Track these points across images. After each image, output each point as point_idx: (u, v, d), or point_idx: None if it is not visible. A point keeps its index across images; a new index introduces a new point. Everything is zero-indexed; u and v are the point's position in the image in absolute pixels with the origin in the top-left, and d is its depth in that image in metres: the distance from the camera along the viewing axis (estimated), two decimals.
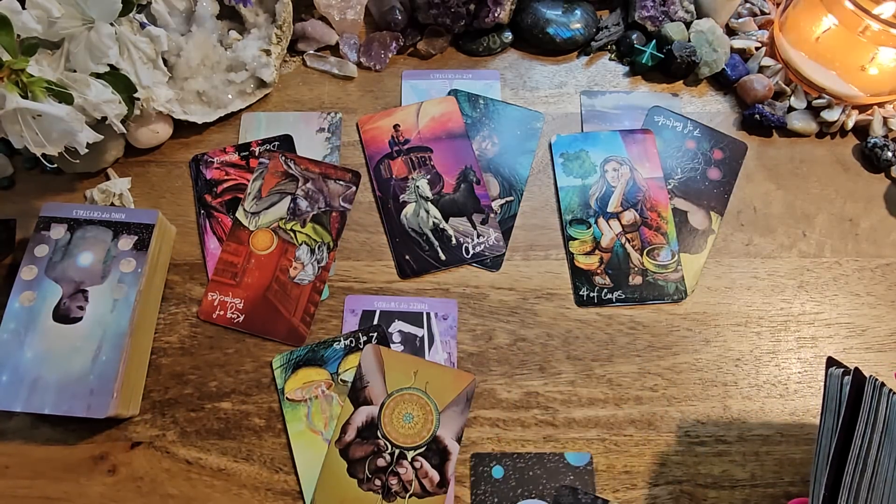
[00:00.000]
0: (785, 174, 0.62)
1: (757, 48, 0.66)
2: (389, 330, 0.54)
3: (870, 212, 0.60)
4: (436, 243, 0.58)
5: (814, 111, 0.63)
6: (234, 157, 0.61)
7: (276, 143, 0.62)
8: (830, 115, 0.62)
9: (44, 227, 0.52)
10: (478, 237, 0.58)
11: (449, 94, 0.65)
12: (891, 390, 0.38)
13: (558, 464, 0.50)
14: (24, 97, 0.46)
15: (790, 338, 0.55)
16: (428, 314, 0.55)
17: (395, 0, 0.67)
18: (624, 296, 0.56)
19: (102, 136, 0.52)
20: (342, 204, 0.60)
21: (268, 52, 0.63)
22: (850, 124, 0.63)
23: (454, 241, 0.58)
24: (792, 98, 0.64)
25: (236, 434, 0.51)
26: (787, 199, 0.61)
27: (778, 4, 0.69)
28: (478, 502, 0.49)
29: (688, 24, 0.66)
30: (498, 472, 0.49)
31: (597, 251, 0.58)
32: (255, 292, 0.55)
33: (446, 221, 0.59)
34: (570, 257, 0.58)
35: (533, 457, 0.50)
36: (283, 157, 0.61)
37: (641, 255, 0.58)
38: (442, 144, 0.62)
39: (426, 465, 0.49)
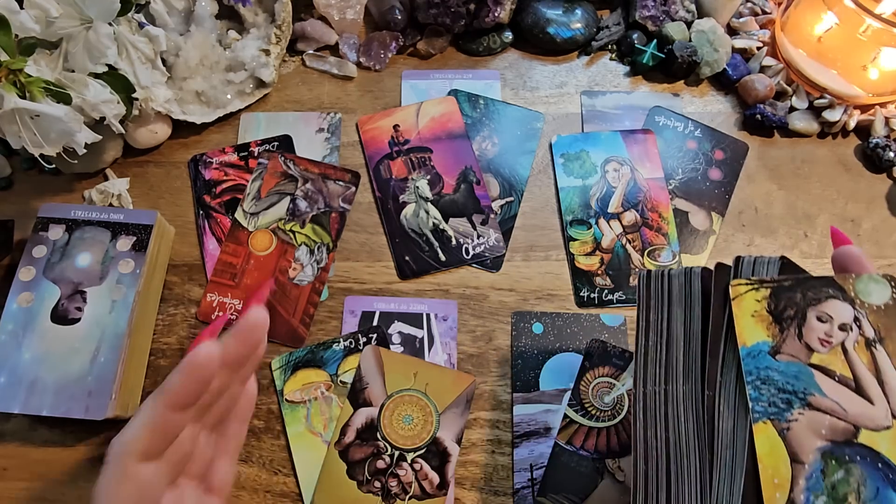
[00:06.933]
0: (786, 174, 0.62)
1: (758, 48, 0.66)
2: (389, 331, 0.54)
3: (872, 212, 0.60)
4: (436, 244, 0.58)
5: (815, 111, 0.63)
6: (233, 158, 0.61)
7: (276, 143, 0.62)
8: (832, 116, 0.62)
9: (42, 227, 0.52)
10: (478, 238, 0.58)
11: (449, 94, 0.65)
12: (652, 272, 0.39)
13: (594, 323, 0.54)
14: (22, 97, 0.46)
15: None
16: (428, 315, 0.55)
17: (395, 0, 0.66)
18: (625, 297, 0.56)
19: (101, 137, 0.52)
20: (342, 204, 0.59)
21: (267, 52, 0.62)
22: (852, 124, 0.63)
23: (454, 241, 0.58)
24: (793, 98, 0.64)
25: None
26: (788, 200, 0.61)
27: (779, 4, 0.69)
28: (518, 353, 0.53)
29: (689, 24, 0.66)
30: (538, 328, 0.54)
31: (597, 252, 0.58)
32: (255, 293, 0.55)
33: (446, 222, 0.59)
34: (571, 258, 0.58)
35: (570, 316, 0.54)
36: (283, 158, 0.60)
37: (642, 255, 0.57)
38: (442, 145, 0.62)
39: (426, 467, 0.49)
